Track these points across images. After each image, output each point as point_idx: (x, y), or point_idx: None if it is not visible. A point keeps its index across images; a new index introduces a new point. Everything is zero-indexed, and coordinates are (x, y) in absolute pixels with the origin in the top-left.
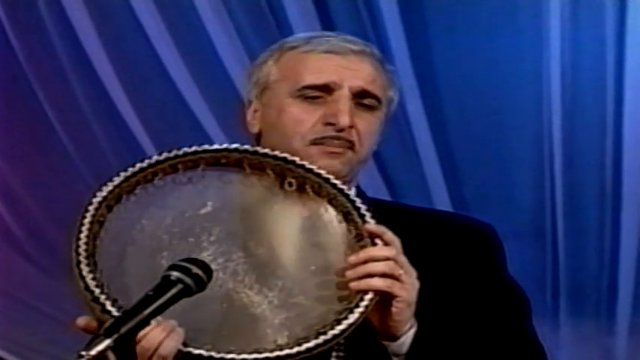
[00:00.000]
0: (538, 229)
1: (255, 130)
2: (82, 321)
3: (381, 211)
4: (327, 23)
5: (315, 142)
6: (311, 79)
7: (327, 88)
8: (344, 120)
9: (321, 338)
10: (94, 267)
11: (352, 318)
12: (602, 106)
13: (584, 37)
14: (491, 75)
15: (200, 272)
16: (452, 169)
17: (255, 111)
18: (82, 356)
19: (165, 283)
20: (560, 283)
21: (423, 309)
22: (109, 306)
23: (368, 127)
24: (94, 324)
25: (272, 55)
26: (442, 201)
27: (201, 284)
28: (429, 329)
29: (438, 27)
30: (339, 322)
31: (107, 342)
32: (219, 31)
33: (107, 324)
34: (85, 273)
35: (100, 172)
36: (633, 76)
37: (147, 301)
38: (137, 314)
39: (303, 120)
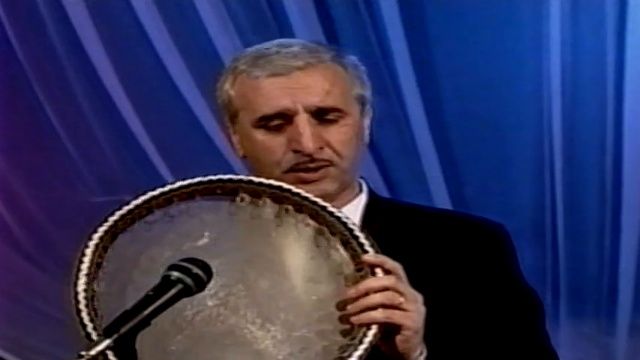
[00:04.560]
0: (538, 229)
1: (240, 154)
2: None
3: (394, 212)
4: (327, 23)
5: (290, 170)
6: (264, 109)
7: (283, 115)
8: (307, 146)
9: None
10: (94, 313)
11: (355, 356)
12: (602, 105)
13: (584, 37)
14: (491, 75)
15: (200, 272)
16: (452, 169)
17: (235, 135)
18: (82, 356)
19: (166, 283)
20: (560, 283)
21: (436, 313)
22: (111, 356)
23: (341, 139)
24: None
25: (227, 79)
26: (442, 201)
27: (201, 284)
28: (440, 350)
29: (438, 28)
30: (342, 359)
31: (107, 342)
32: (220, 31)
33: (107, 325)
34: (86, 321)
35: (100, 172)
36: (633, 75)
37: (147, 301)
38: (137, 314)
39: (271, 149)
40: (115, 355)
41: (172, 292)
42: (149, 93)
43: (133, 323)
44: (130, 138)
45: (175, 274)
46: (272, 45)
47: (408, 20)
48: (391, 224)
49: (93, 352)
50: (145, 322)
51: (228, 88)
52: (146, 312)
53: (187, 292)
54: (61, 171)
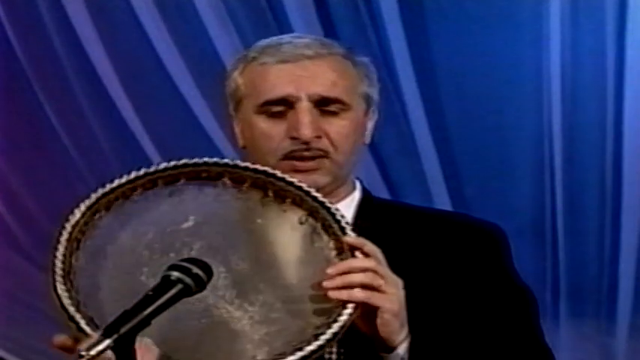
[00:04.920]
0: (538, 229)
1: (241, 144)
2: (58, 339)
3: (387, 211)
4: (327, 23)
5: (285, 157)
6: (268, 94)
7: (286, 102)
8: (304, 133)
9: (298, 354)
10: (70, 285)
11: (329, 333)
12: (602, 105)
13: (584, 37)
14: (491, 75)
15: (200, 272)
16: (452, 169)
17: (238, 125)
18: (82, 356)
19: (165, 283)
20: (560, 283)
21: (427, 311)
22: (83, 325)
23: (339, 131)
24: (70, 342)
25: (237, 67)
26: (442, 201)
27: (201, 284)
28: (424, 340)
29: (438, 27)
30: (316, 337)
31: (107, 342)
32: (220, 31)
33: (107, 325)
34: (60, 292)
35: (100, 172)
36: (633, 75)
37: (147, 301)
38: (137, 314)
39: (270, 136)
40: (115, 354)
41: (172, 292)
42: (149, 93)
43: (132, 323)
44: (130, 138)
45: (175, 274)
46: (286, 36)
47: (408, 20)
48: (384, 223)
49: (93, 352)
50: (145, 322)
51: (237, 75)
52: (146, 312)
53: (187, 292)
54: (61, 171)
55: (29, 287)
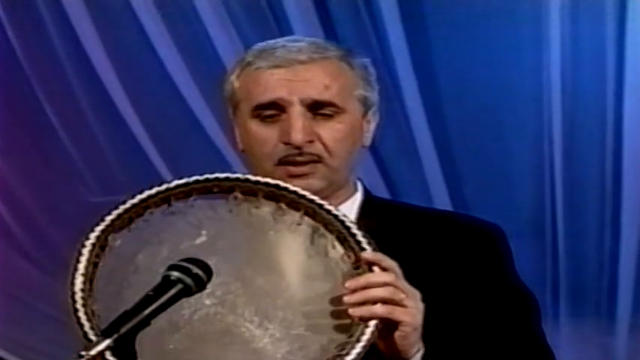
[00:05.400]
0: (538, 229)
1: (240, 148)
2: None
3: (388, 212)
4: (327, 24)
5: (280, 163)
6: (260, 98)
7: (277, 106)
8: (296, 137)
9: None
10: (91, 312)
11: (354, 354)
12: (602, 105)
13: (584, 37)
14: (491, 75)
15: (200, 272)
16: (452, 169)
17: (236, 129)
18: (82, 356)
19: (166, 283)
20: (560, 283)
21: (430, 312)
22: (109, 355)
23: (333, 135)
24: None
25: (234, 71)
26: (442, 201)
27: (201, 284)
28: (433, 345)
29: (438, 27)
30: (341, 357)
31: (107, 342)
32: (220, 31)
33: (106, 324)
34: (83, 321)
35: (99, 172)
36: (633, 75)
37: (147, 301)
38: (137, 314)
39: (264, 140)
40: (115, 355)
41: (172, 292)
42: (149, 93)
43: (133, 323)
44: (130, 138)
45: (175, 274)
46: (281, 40)
47: (408, 21)
48: (386, 224)
49: (93, 352)
50: (145, 322)
51: (234, 79)
52: (146, 312)
53: (187, 292)
54: (61, 171)
55: (29, 287)
